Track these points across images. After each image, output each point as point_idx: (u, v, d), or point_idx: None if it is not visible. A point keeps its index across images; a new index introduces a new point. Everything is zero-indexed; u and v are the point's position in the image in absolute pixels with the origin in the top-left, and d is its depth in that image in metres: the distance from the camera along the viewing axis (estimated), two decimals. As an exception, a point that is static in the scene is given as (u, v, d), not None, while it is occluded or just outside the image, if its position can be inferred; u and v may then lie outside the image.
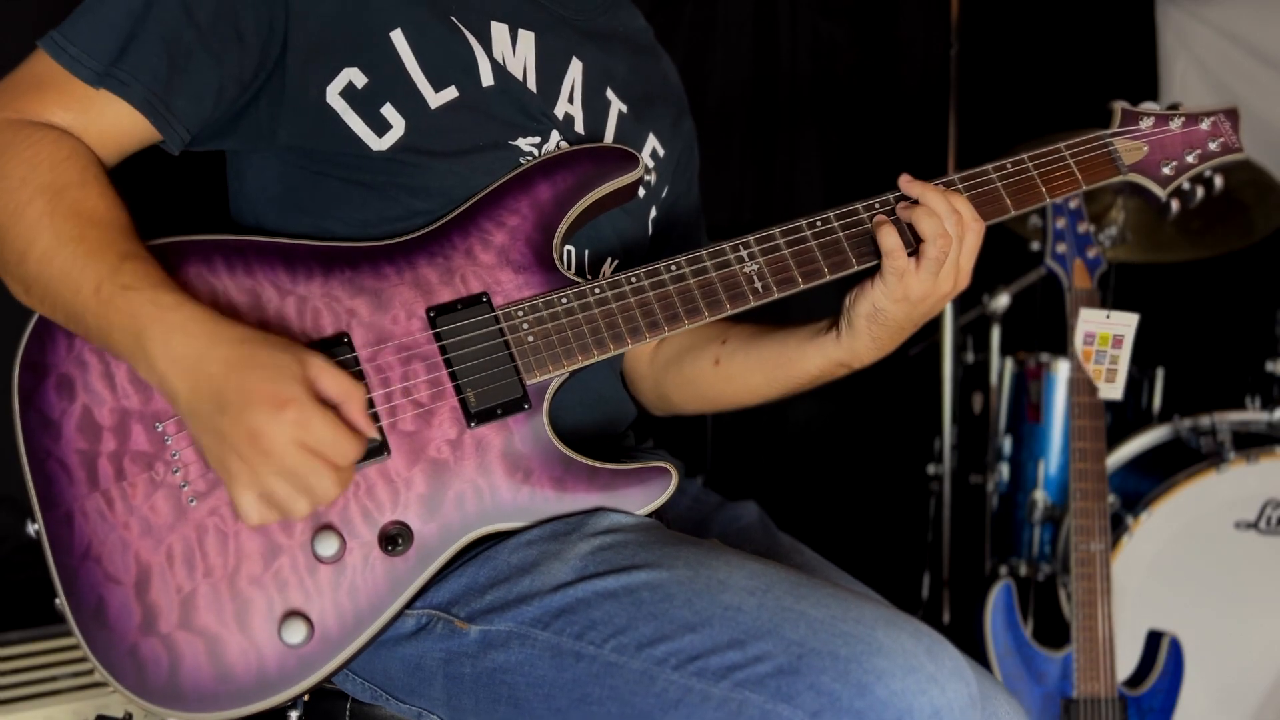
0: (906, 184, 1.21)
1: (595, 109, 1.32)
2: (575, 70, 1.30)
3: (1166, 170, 1.36)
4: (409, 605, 1.08)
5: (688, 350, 1.43)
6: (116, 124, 1.09)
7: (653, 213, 1.40)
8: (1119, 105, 1.35)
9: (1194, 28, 3.26)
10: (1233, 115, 1.39)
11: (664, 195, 1.43)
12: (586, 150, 1.22)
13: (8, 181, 1.03)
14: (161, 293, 0.98)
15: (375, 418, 1.07)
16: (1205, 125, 1.37)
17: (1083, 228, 2.01)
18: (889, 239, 1.19)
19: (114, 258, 1.00)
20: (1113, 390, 1.68)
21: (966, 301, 2.68)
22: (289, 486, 0.93)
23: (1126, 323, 1.64)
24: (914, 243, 1.20)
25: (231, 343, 0.96)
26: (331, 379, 0.95)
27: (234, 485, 0.94)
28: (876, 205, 1.23)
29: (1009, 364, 2.60)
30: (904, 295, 1.20)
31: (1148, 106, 1.36)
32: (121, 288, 0.97)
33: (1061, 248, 1.99)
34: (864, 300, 1.23)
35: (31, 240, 1.01)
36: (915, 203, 1.20)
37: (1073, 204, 2.01)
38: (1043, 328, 2.67)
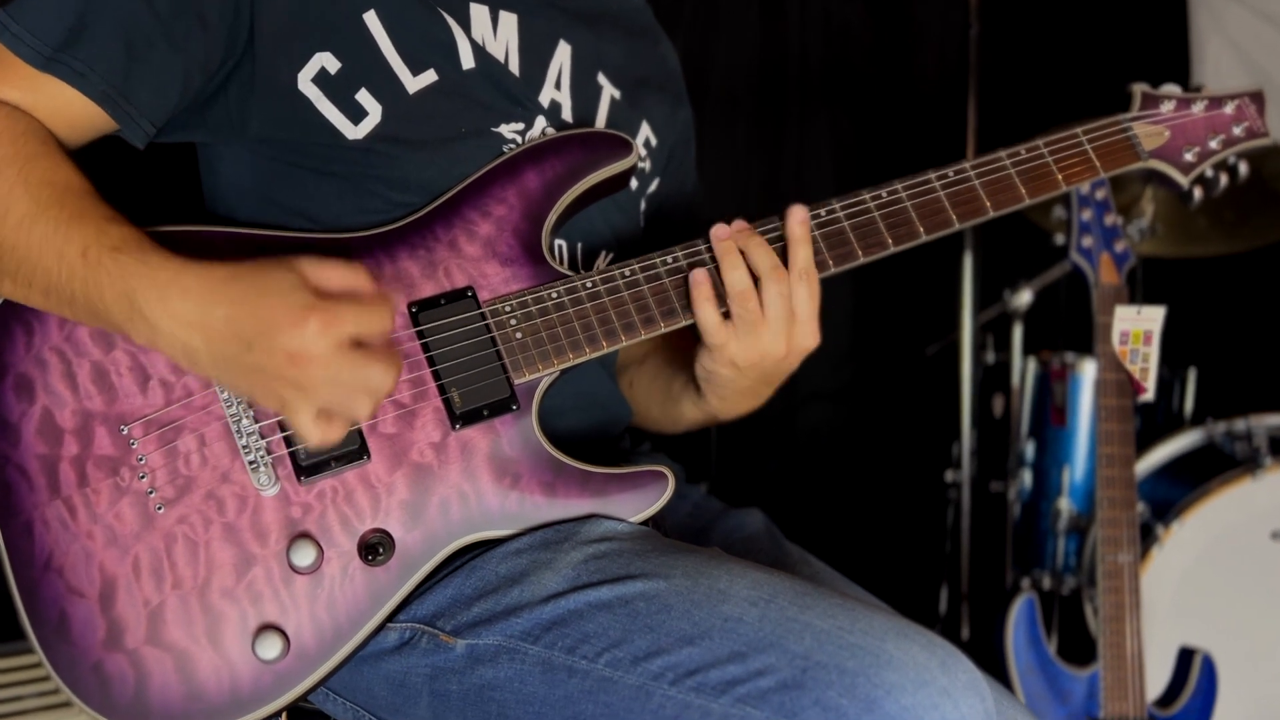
0: (719, 238, 1.16)
1: (585, 95, 1.32)
2: (563, 54, 1.30)
3: (1189, 156, 1.35)
4: (391, 618, 1.08)
5: (621, 363, 1.45)
6: (68, 109, 1.08)
7: (643, 205, 1.40)
8: (1139, 88, 1.35)
9: (1228, 8, 3.25)
10: (1258, 98, 1.38)
11: (654, 188, 1.43)
12: (577, 136, 1.22)
13: None
14: (149, 253, 0.99)
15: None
16: (1229, 109, 1.37)
17: (1110, 220, 1.99)
18: (702, 312, 1.16)
19: (98, 220, 1.00)
20: (1146, 391, 1.69)
21: (986, 298, 2.68)
22: (344, 391, 0.94)
23: (1154, 317, 1.65)
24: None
25: (226, 282, 0.96)
26: (329, 272, 0.95)
27: (291, 414, 0.95)
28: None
29: (1032, 364, 2.60)
30: (729, 360, 1.18)
31: (1169, 89, 1.36)
32: (110, 250, 0.98)
33: (1087, 241, 1.97)
34: (697, 363, 1.23)
35: (6, 209, 1.01)
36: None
37: (1099, 194, 1.99)
38: (1067, 326, 2.66)
